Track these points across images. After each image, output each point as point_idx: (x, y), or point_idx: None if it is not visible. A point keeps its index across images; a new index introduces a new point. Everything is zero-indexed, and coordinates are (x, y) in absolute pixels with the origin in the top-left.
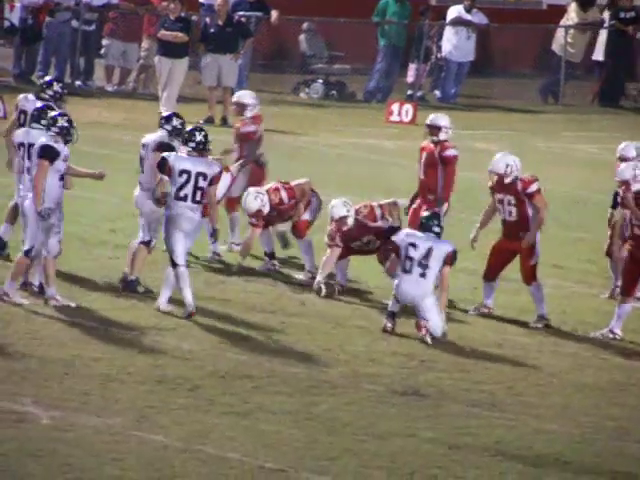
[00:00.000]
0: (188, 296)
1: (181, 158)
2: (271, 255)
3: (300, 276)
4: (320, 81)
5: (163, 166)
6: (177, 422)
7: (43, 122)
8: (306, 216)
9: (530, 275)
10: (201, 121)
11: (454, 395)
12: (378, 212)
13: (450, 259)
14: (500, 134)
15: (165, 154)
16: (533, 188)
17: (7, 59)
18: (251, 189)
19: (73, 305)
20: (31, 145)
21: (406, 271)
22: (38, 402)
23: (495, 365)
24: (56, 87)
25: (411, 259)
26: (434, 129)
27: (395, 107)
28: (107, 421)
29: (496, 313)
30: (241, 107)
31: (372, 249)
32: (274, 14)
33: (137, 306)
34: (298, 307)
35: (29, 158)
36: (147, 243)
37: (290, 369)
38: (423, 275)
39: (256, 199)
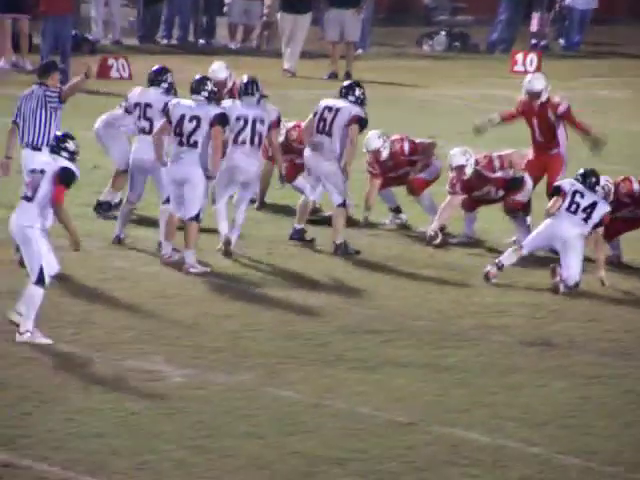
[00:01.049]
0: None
1: (235, 106)
2: (396, 209)
3: (429, 231)
4: (443, 33)
5: (223, 117)
6: (307, 377)
7: (203, 93)
8: (423, 175)
9: None
10: (325, 77)
11: (584, 344)
12: (497, 163)
13: (606, 220)
14: (625, 81)
15: (222, 105)
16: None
17: (131, 19)
18: (376, 130)
19: (208, 270)
20: (147, 105)
21: (571, 212)
22: (169, 360)
23: (625, 313)
24: (167, 77)
25: (578, 204)
26: (534, 96)
27: (519, 57)
28: (238, 378)
29: (625, 261)
30: (221, 85)
31: (495, 199)
32: None
33: (262, 263)
34: (426, 259)
35: (145, 118)
36: (343, 204)
37: (419, 322)
38: (585, 220)
39: (379, 138)
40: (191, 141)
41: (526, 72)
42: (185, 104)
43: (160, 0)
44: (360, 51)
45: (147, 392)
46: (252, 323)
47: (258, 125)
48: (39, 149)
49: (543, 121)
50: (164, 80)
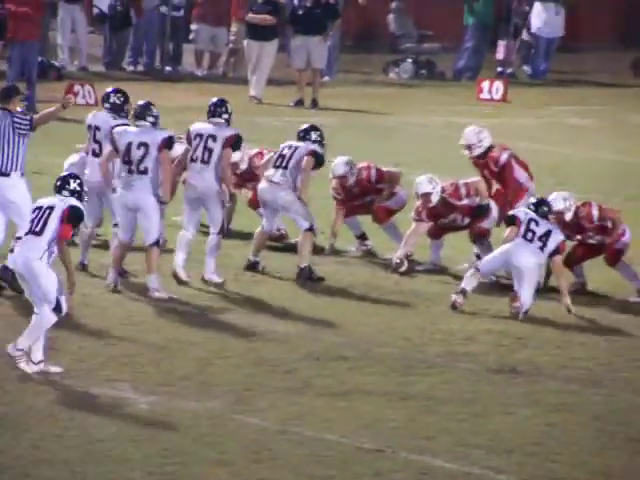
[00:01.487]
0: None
1: (197, 126)
2: (362, 236)
3: (395, 259)
4: (409, 60)
5: (187, 136)
6: (274, 404)
7: (149, 119)
8: (389, 203)
9: (613, 260)
10: (291, 103)
11: (551, 372)
12: (463, 191)
13: (562, 248)
14: (592, 109)
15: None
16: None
17: (97, 46)
18: (342, 157)
19: (173, 294)
20: (97, 128)
21: (527, 239)
22: (136, 387)
23: (591, 341)
24: (113, 98)
25: (533, 232)
26: (467, 148)
27: (485, 85)
28: (205, 405)
29: (590, 288)
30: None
31: (462, 226)
32: None
33: (229, 290)
34: (392, 286)
35: (95, 140)
36: (310, 228)
37: (385, 349)
38: (541, 249)
39: (346, 165)
40: (141, 168)
41: (492, 100)
42: (131, 131)
43: (126, 27)
44: (326, 78)
45: (114, 419)
46: (219, 350)
47: (210, 142)
48: (7, 175)
49: (491, 173)
50: (109, 101)
